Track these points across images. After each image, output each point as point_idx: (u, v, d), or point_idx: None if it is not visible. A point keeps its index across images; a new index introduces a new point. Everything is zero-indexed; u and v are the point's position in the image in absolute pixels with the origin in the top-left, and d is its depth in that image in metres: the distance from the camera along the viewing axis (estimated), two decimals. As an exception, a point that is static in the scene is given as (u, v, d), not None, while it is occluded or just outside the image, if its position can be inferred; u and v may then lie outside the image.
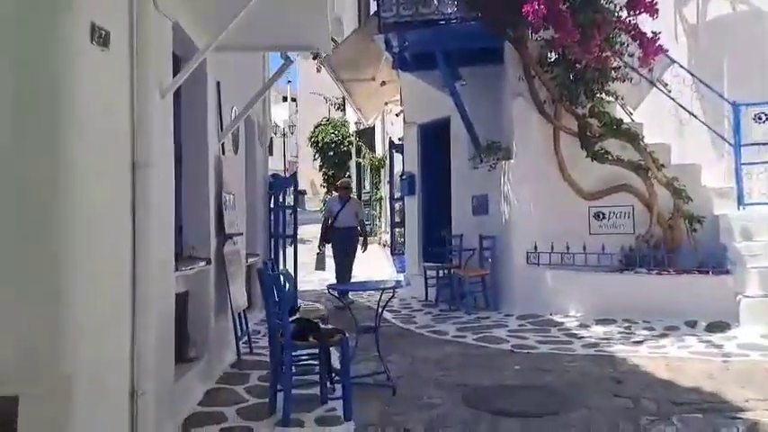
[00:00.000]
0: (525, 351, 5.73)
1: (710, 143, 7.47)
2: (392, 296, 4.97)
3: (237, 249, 5.71)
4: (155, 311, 3.39)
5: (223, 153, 5.50)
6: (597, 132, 7.08)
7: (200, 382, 4.66)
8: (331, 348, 4.33)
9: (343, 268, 8.72)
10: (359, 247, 8.98)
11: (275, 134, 34.37)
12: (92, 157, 2.83)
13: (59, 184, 2.65)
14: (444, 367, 5.25)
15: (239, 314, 5.67)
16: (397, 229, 11.79)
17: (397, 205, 11.30)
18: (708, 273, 6.48)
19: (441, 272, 8.70)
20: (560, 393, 4.47)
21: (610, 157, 7.14)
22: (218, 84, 5.45)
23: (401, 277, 10.65)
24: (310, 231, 22.08)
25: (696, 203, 6.90)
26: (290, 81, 45.17)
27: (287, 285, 4.73)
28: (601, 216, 7.45)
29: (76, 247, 2.70)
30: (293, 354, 4.10)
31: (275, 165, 19.71)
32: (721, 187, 7.19)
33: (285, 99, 45.97)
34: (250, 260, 7.12)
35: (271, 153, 37.59)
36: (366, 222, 10.40)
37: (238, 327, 5.42)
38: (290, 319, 4.27)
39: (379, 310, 4.80)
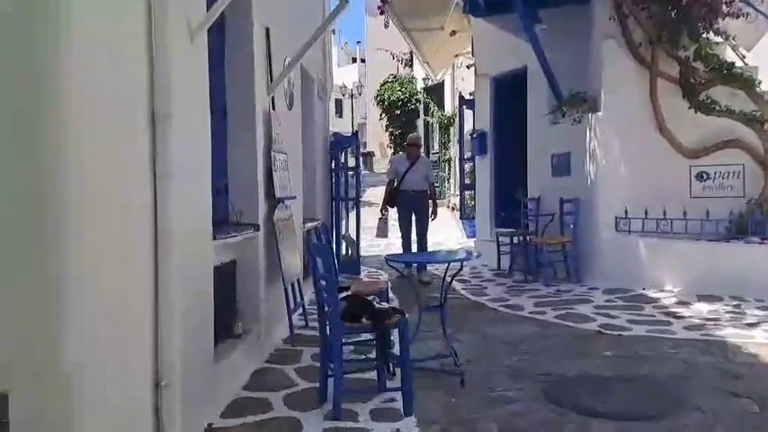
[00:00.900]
0: (616, 333, 4.97)
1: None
2: (460, 268, 4.32)
3: (290, 214, 5.19)
4: (184, 290, 2.90)
5: (273, 108, 4.95)
6: (703, 78, 6.07)
7: (248, 360, 4.22)
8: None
9: (409, 236, 7.71)
10: (428, 212, 7.99)
11: (344, 96, 34.01)
12: (96, 110, 2.29)
13: (50, 142, 2.12)
14: (521, 351, 4.58)
15: (293, 284, 5.19)
16: (466, 192, 11.05)
17: (467, 166, 10.53)
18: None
19: (515, 238, 7.96)
20: (664, 390, 3.72)
21: (717, 108, 6.13)
22: (267, 30, 4.87)
23: (471, 243, 9.97)
24: (377, 194, 21.68)
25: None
26: (359, 42, 44.45)
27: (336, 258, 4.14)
28: (704, 176, 6.47)
29: (74, 219, 2.19)
30: (345, 336, 3.55)
31: (344, 127, 19.22)
32: None
33: (354, 60, 45.40)
34: (308, 225, 6.63)
35: (340, 115, 37.36)
36: (436, 185, 9.14)
37: (291, 298, 4.93)
38: (341, 296, 3.71)
39: (446, 284, 4.17)
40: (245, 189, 4.50)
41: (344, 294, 3.77)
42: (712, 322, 5.11)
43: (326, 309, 3.60)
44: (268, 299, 4.74)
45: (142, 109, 2.68)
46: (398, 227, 7.84)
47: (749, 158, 6.20)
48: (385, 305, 3.77)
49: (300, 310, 5.37)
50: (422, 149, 8.32)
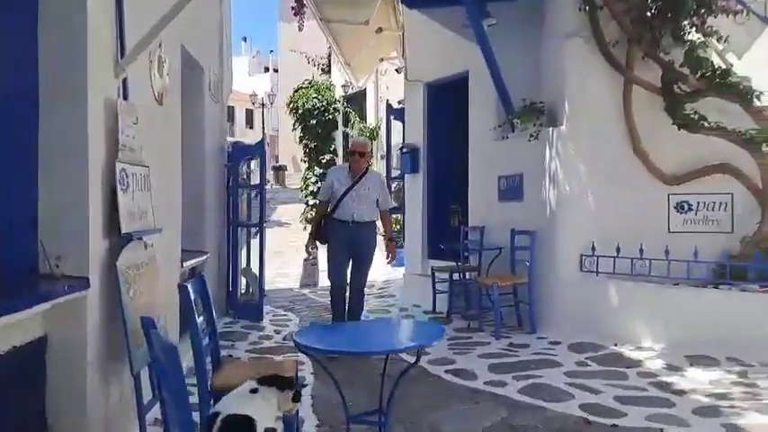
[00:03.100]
0: (608, 422, 3.63)
1: None
2: (417, 360, 2.79)
3: (150, 256, 3.52)
4: None
5: (124, 97, 3.29)
6: (692, 87, 4.95)
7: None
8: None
9: (343, 293, 5.26)
10: (375, 253, 5.42)
11: (254, 105, 32.02)
12: None
13: None
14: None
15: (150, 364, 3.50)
16: (393, 215, 9.62)
17: (393, 185, 9.13)
18: None
19: (455, 275, 6.60)
20: None
21: (706, 124, 5.02)
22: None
23: (399, 274, 8.53)
24: (290, 212, 19.86)
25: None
26: (272, 51, 42.81)
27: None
28: (685, 207, 5.36)
29: None
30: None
31: (255, 139, 17.46)
32: None
33: (267, 70, 43.40)
34: (191, 262, 4.96)
35: (251, 126, 35.54)
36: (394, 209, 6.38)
37: (141, 390, 3.22)
38: (212, 412, 2.13)
39: (390, 384, 2.67)
40: (66, 221, 2.82)
41: (214, 411, 2.17)
42: (725, 402, 3.87)
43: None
44: (106, 395, 3.05)
45: None
46: (327, 273, 5.31)
47: (740, 187, 5.13)
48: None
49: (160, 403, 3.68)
50: (370, 160, 5.75)
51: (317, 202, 5.64)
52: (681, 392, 4.07)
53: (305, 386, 2.45)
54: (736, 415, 3.65)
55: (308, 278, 5.91)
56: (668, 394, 4.05)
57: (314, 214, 5.75)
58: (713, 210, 5.27)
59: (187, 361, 4.57)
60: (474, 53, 6.13)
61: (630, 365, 4.65)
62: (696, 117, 5.02)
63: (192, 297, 2.89)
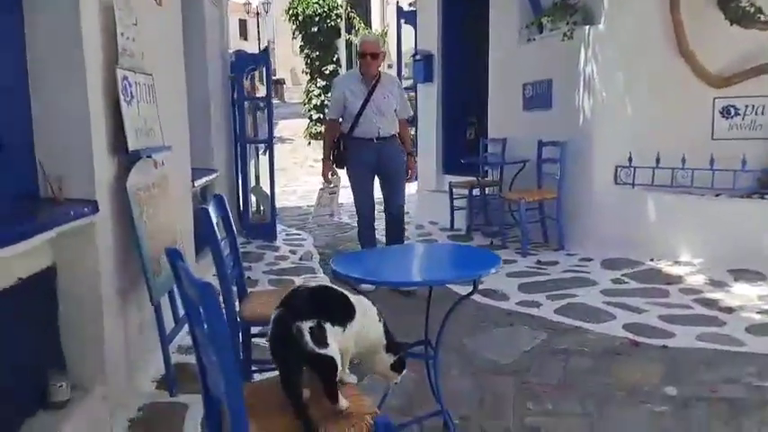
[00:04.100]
0: (657, 343, 3.42)
1: None
2: (474, 290, 2.48)
3: (162, 176, 3.17)
4: None
5: (121, -7, 2.83)
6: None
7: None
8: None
9: (372, 217, 4.57)
10: (402, 172, 4.57)
11: (248, 14, 30.53)
12: None
13: None
14: (534, 389, 2.92)
15: (171, 291, 3.24)
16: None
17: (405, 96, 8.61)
18: None
19: (475, 190, 6.28)
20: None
21: (762, 17, 4.54)
22: None
23: (412, 191, 8.21)
24: (292, 128, 19.29)
25: None
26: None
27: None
28: (731, 112, 4.96)
29: None
30: None
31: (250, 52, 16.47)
32: None
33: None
34: (201, 181, 4.63)
35: (245, 37, 34.15)
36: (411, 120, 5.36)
37: (162, 319, 2.96)
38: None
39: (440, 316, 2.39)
40: (65, 139, 2.46)
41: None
42: (777, 318, 3.67)
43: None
44: (124, 326, 2.80)
45: None
46: (354, 198, 4.60)
47: (793, 89, 4.72)
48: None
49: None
50: (384, 63, 4.55)
51: (327, 120, 4.73)
52: (729, 310, 3.85)
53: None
54: (794, 333, 3.45)
55: (325, 208, 4.93)
56: (716, 312, 3.84)
57: (324, 135, 4.75)
58: (762, 114, 4.88)
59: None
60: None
61: (671, 282, 4.43)
62: (752, 10, 4.53)
63: (214, 220, 2.57)
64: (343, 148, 4.46)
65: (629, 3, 4.94)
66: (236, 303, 2.71)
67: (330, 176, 4.69)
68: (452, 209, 6.48)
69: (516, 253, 5.38)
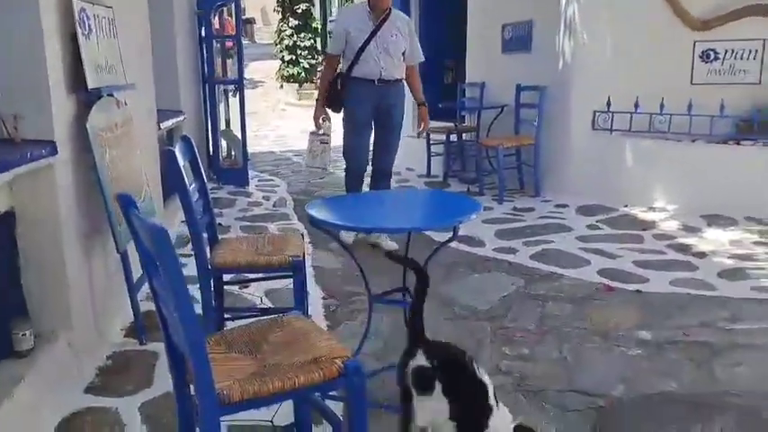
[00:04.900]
0: (631, 287, 3.44)
1: None
2: (453, 237, 2.42)
3: (125, 117, 3.00)
4: None
5: None
6: None
7: (51, 395, 2.26)
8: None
9: (363, 162, 4.16)
10: (400, 125, 4.18)
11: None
12: None
13: None
14: (511, 335, 2.92)
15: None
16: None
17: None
18: None
19: (452, 136, 6.19)
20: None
21: (747, -40, 4.44)
22: None
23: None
24: (263, 69, 18.72)
25: None
26: None
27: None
28: (711, 56, 4.89)
29: None
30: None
31: None
32: None
33: None
34: (167, 123, 4.44)
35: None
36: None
37: (130, 266, 2.86)
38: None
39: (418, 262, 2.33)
40: (20, 76, 2.29)
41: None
42: (750, 263, 3.71)
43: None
44: (89, 272, 2.69)
45: None
46: (345, 145, 4.16)
47: (773, 32, 4.67)
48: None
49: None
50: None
51: (326, 55, 4.27)
52: (702, 255, 3.89)
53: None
54: (764, 277, 3.49)
55: (317, 159, 4.31)
56: (689, 257, 3.87)
57: (322, 73, 4.30)
58: (741, 59, 4.83)
59: (174, 230, 4.26)
60: None
61: (645, 227, 4.45)
62: (737, -51, 4.42)
63: (181, 164, 2.44)
64: (341, 88, 4.01)
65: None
66: (207, 250, 2.61)
67: (321, 122, 4.22)
68: (429, 155, 6.39)
69: (493, 200, 5.34)
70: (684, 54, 4.89)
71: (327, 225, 2.09)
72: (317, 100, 4.20)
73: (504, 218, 4.86)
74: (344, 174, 4.26)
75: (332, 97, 4.06)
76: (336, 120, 4.25)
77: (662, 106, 4.68)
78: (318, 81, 4.36)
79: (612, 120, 4.89)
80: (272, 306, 3.21)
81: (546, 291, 3.46)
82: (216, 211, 4.93)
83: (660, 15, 4.83)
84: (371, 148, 4.19)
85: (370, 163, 4.24)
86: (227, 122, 6.58)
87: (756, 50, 4.78)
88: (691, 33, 4.84)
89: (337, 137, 4.43)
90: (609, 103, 4.87)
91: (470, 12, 6.24)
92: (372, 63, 3.89)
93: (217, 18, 6.40)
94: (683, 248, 4.01)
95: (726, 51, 4.83)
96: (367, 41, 3.86)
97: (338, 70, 4.08)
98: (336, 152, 4.77)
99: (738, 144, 4.63)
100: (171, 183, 2.44)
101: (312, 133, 4.25)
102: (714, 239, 4.14)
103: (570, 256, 3.97)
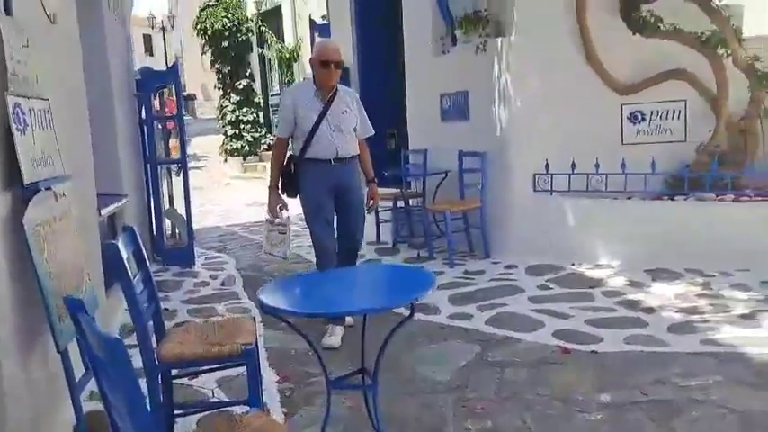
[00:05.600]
0: (586, 349, 3.47)
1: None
2: (411, 314, 2.38)
3: (64, 209, 2.91)
4: None
5: (7, 12, 2.57)
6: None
7: None
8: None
9: (332, 247, 3.89)
10: (363, 201, 4.01)
11: (153, 28, 29.45)
12: None
13: None
14: (474, 407, 2.87)
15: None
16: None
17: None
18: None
19: (399, 202, 6.26)
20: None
21: (662, 27, 4.77)
22: None
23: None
24: (205, 145, 18.68)
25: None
26: (167, -33, 39.51)
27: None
28: (638, 117, 5.18)
29: None
30: None
31: (157, 67, 15.63)
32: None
33: (163, -11, 39.95)
34: (110, 208, 4.32)
35: (150, 53, 32.89)
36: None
37: (71, 366, 2.69)
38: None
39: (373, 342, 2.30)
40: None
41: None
42: (697, 316, 3.82)
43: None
44: (27, 374, 2.52)
45: None
46: (310, 231, 3.92)
47: (693, 93, 4.98)
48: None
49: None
50: (338, 74, 3.82)
51: (276, 138, 4.09)
52: (651, 310, 3.98)
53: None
54: (711, 330, 3.59)
55: (276, 248, 3.88)
56: (639, 313, 3.96)
57: (271, 157, 4.07)
58: (666, 119, 5.13)
59: (117, 318, 4.08)
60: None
61: (594, 285, 4.54)
62: (652, 19, 4.76)
63: (125, 256, 2.36)
64: (295, 171, 3.83)
65: (538, 15, 5.05)
66: (154, 341, 2.50)
67: (279, 210, 3.89)
68: (377, 222, 6.41)
69: (444, 264, 5.38)
70: (614, 116, 5.16)
71: (280, 312, 2.03)
72: (269, 187, 3.93)
73: (457, 282, 4.88)
74: (315, 258, 3.99)
75: (286, 182, 3.88)
76: (294, 205, 3.98)
77: (597, 166, 4.88)
78: (270, 164, 4.09)
79: (552, 181, 5.06)
80: (225, 399, 3.07)
81: (503, 356, 3.45)
82: (161, 294, 4.83)
83: (589, 81, 5.10)
84: (338, 228, 3.99)
85: (338, 242, 4.00)
86: (171, 201, 6.47)
87: (679, 111, 5.09)
88: (618, 97, 5.11)
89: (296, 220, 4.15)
90: (547, 166, 5.05)
91: (408, 82, 6.44)
92: (326, 143, 3.74)
93: (157, 98, 6.38)
94: (632, 304, 4.10)
95: (652, 112, 5.13)
96: (318, 121, 3.72)
97: (289, 152, 3.94)
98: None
99: (672, 199, 4.84)
100: (114, 275, 2.35)
101: (268, 221, 3.89)
102: (660, 294, 4.25)
103: (524, 319, 3.99)
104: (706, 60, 4.76)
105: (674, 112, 5.09)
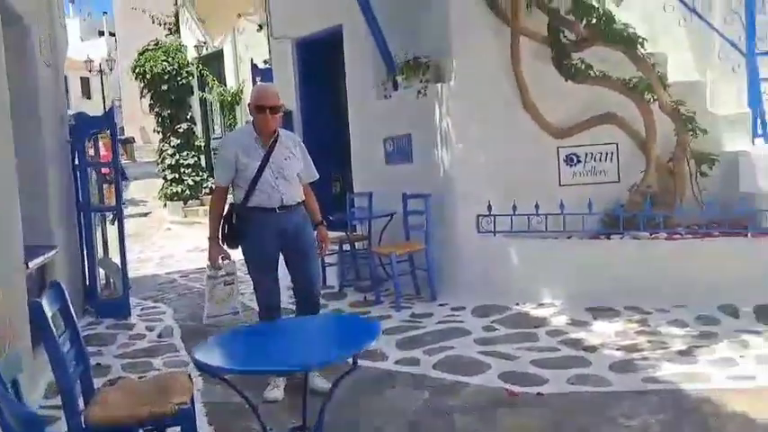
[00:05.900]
0: (531, 390, 3.47)
1: (717, 51, 5.56)
2: (354, 365, 2.33)
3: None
4: None
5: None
6: (580, 35, 4.86)
7: None
8: None
9: (276, 299, 3.75)
10: (314, 247, 3.84)
11: (91, 72, 28.92)
12: None
13: None
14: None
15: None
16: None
17: (264, 154, 8.43)
18: (745, 234, 4.61)
19: (344, 246, 6.21)
20: None
21: (592, 74, 4.98)
22: None
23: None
24: (143, 190, 18.18)
25: (701, 137, 5.01)
26: (105, 12, 39.12)
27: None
28: (574, 160, 5.34)
29: None
30: None
31: (94, 111, 15.26)
32: (731, 114, 5.32)
33: (102, 33, 39.37)
34: (38, 260, 4.11)
35: (88, 96, 32.27)
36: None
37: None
38: None
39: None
40: None
41: None
42: (637, 354, 3.88)
43: None
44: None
45: None
46: (254, 282, 3.77)
47: (624, 136, 5.20)
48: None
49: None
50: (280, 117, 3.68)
51: (215, 187, 3.84)
52: (592, 349, 4.03)
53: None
54: (651, 367, 3.66)
55: (224, 305, 3.56)
56: (581, 352, 4.00)
57: (210, 206, 3.86)
58: (600, 161, 5.31)
59: (46, 376, 3.83)
60: (348, 6, 5.70)
61: (537, 324, 4.58)
62: (582, 66, 4.96)
63: (49, 314, 2.22)
64: (237, 221, 3.64)
65: (475, 62, 5.20)
66: (81, 404, 2.35)
67: (221, 261, 3.66)
68: (323, 266, 6.30)
69: (391, 307, 5.33)
70: (551, 159, 5.30)
71: (214, 370, 1.94)
72: (209, 238, 3.69)
73: (404, 326, 4.83)
74: (259, 311, 3.81)
75: (226, 232, 3.67)
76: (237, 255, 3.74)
77: (537, 207, 4.98)
78: (208, 215, 3.87)
79: (495, 222, 5.13)
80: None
81: (453, 402, 3.41)
82: (94, 349, 4.60)
83: (526, 126, 5.25)
84: (292, 279, 3.83)
85: (294, 294, 3.90)
86: (106, 250, 6.22)
87: (612, 153, 5.28)
88: (554, 141, 5.28)
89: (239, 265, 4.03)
90: (489, 207, 5.12)
91: (352, 126, 6.48)
92: (270, 190, 3.55)
93: (92, 144, 6.20)
94: (575, 343, 4.14)
95: (586, 155, 5.30)
96: (261, 169, 3.53)
97: (229, 201, 3.75)
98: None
99: (609, 238, 4.98)
100: (40, 335, 2.21)
101: (210, 277, 3.61)
102: (601, 332, 4.32)
103: (472, 362, 3.97)
104: (634, 105, 4.98)
105: (607, 154, 5.28)
